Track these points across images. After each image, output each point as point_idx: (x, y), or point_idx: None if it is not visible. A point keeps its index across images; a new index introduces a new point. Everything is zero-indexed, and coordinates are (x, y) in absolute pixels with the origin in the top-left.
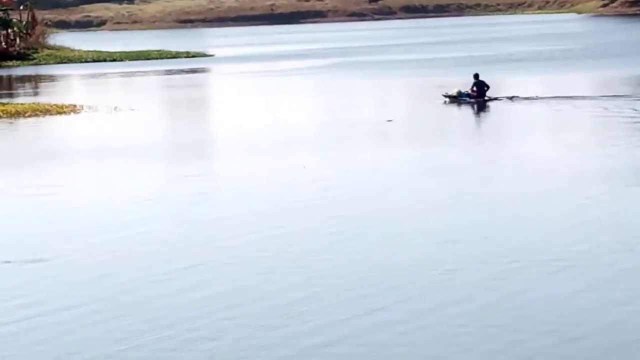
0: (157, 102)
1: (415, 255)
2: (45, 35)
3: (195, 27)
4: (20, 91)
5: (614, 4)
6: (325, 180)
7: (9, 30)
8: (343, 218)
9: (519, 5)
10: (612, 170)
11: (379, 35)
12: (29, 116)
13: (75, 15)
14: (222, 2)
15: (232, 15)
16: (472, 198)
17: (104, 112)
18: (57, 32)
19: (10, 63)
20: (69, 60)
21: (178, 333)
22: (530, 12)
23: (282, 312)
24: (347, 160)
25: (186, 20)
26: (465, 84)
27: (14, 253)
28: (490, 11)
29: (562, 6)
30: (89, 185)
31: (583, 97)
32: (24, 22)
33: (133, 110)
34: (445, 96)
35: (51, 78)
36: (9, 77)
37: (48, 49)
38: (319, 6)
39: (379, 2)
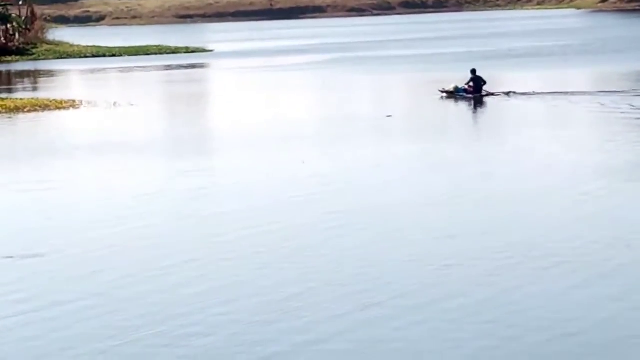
0: (157, 97)
1: (412, 250)
2: (45, 31)
3: (195, 22)
4: (20, 86)
5: (613, 0)
6: (324, 175)
7: (8, 26)
8: (341, 213)
9: (518, 0)
10: (609, 166)
11: (378, 31)
12: (28, 111)
13: (74, 11)
14: None
15: (232, 10)
16: (470, 194)
17: (103, 108)
18: (56, 28)
19: (9, 58)
20: (68, 55)
21: (173, 328)
22: (529, 7)
23: (277, 307)
24: (346, 156)
25: (185, 16)
26: (464, 80)
27: (12, 248)
28: (490, 7)
29: (561, 2)
30: (87, 181)
31: (580, 93)
32: (23, 18)
33: (132, 105)
34: (442, 92)
35: (50, 73)
36: (8, 73)
37: (47, 44)
38: (318, 2)
39: None
